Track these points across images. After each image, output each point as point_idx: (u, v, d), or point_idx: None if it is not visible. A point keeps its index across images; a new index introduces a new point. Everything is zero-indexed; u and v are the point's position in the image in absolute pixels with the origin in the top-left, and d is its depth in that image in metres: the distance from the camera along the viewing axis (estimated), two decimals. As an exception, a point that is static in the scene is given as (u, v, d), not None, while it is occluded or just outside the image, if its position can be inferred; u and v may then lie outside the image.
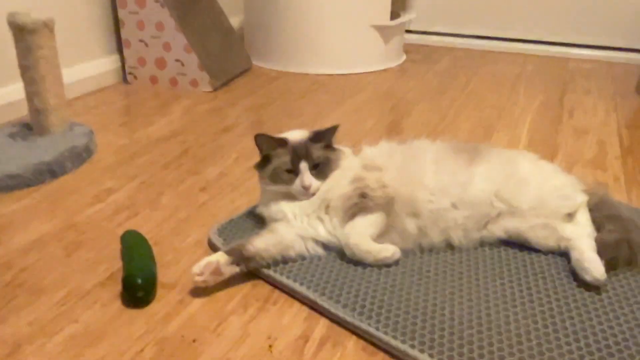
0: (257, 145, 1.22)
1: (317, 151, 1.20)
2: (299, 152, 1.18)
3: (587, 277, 1.07)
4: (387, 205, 1.15)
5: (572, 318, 0.99)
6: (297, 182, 1.18)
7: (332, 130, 1.23)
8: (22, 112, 1.86)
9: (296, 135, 1.23)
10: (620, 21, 2.89)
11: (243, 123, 1.96)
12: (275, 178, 1.20)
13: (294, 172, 1.18)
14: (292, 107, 2.13)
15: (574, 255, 1.11)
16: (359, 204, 1.15)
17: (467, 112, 2.11)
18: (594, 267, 1.06)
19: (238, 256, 1.08)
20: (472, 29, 3.15)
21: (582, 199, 1.22)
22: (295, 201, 1.20)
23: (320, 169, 1.20)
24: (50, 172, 1.51)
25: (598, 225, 1.19)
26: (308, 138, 1.22)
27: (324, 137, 1.22)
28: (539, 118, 2.05)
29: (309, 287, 1.06)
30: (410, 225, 1.17)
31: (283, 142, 1.20)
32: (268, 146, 1.20)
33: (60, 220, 1.33)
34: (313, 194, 1.19)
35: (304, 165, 1.18)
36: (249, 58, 2.62)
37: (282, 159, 1.19)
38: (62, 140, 1.65)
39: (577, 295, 1.05)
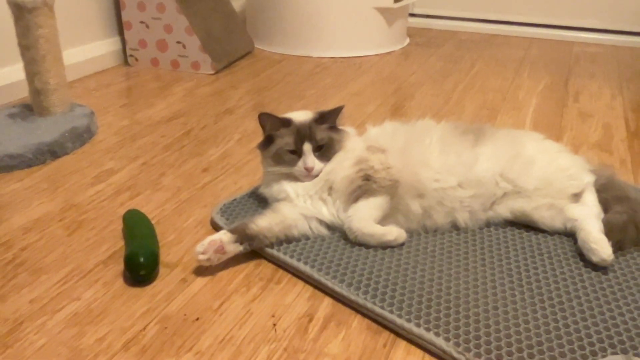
0: (261, 124, 1.20)
1: (321, 132, 1.18)
2: (302, 133, 1.16)
3: (594, 258, 1.06)
4: (392, 188, 1.14)
5: (578, 297, 0.98)
6: (300, 163, 1.16)
7: (337, 111, 1.21)
8: (23, 93, 1.84)
9: (301, 115, 1.21)
10: (625, 5, 2.85)
11: (245, 105, 1.94)
12: (277, 159, 1.18)
13: (297, 153, 1.17)
14: (295, 90, 2.11)
15: (581, 236, 1.10)
16: (363, 186, 1.14)
17: (471, 95, 2.09)
18: (601, 247, 1.05)
19: (241, 235, 1.07)
20: (476, 12, 3.12)
21: (589, 179, 1.20)
22: (297, 182, 1.18)
23: (324, 151, 1.18)
24: (51, 152, 1.50)
25: (605, 206, 1.17)
26: (313, 119, 1.20)
27: (329, 118, 1.20)
28: (544, 101, 2.03)
29: (313, 266, 1.04)
30: (415, 206, 1.15)
31: (287, 122, 1.18)
32: (272, 126, 1.18)
33: (61, 200, 1.32)
34: (315, 176, 1.17)
35: (307, 147, 1.16)
36: (251, 41, 2.59)
37: (285, 139, 1.17)
38: (63, 120, 1.63)
39: (583, 275, 1.04)
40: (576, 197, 1.18)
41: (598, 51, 2.71)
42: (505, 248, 1.12)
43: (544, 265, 1.07)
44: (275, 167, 1.19)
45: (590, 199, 1.18)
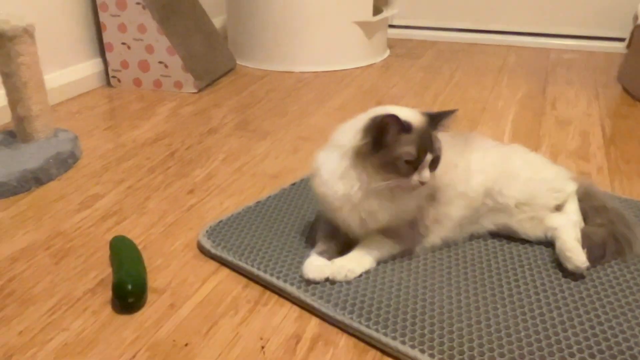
0: (380, 127, 1.02)
1: (438, 142, 1.05)
2: (424, 142, 1.02)
3: (569, 266, 1.09)
4: None
5: (559, 308, 1.01)
6: (416, 177, 1.03)
7: (452, 115, 1.09)
8: (5, 119, 1.85)
9: (410, 117, 1.05)
10: (599, 10, 2.91)
11: (228, 124, 1.96)
12: (390, 168, 1.02)
13: (415, 163, 1.02)
14: (278, 107, 2.13)
15: (558, 244, 1.13)
16: None
17: (452, 105, 2.12)
18: (575, 255, 1.08)
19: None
20: (455, 22, 3.17)
21: (571, 188, 1.23)
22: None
23: (434, 161, 1.06)
24: (35, 179, 1.50)
25: (584, 215, 1.21)
26: (429, 124, 1.06)
27: (442, 124, 1.08)
28: (523, 110, 2.07)
29: (299, 287, 1.06)
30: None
31: (408, 128, 1.03)
32: (393, 131, 1.01)
33: (48, 228, 1.32)
34: None
35: (429, 158, 1.03)
36: (233, 58, 2.61)
37: (405, 147, 1.01)
38: (47, 146, 1.64)
39: (563, 285, 1.07)
40: (559, 206, 1.21)
41: (574, 57, 2.77)
42: (487, 261, 1.15)
43: (525, 277, 1.10)
44: (381, 176, 1.03)
45: (572, 208, 1.21)
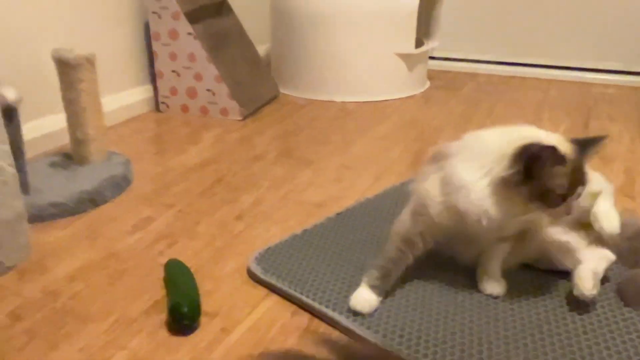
0: (534, 158, 0.98)
1: (587, 173, 1.03)
2: (577, 174, 1.01)
3: (575, 291, 1.10)
4: None
5: (608, 349, 1.00)
6: (564, 207, 1.02)
7: (601, 143, 1.07)
8: (61, 141, 1.93)
9: (562, 146, 1.01)
10: (643, 46, 2.90)
11: (272, 151, 2.01)
12: (538, 199, 1.00)
13: (564, 196, 1.01)
14: (320, 135, 2.18)
15: (574, 271, 1.13)
16: None
17: (493, 139, 2.13)
18: (583, 283, 1.09)
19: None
20: (495, 55, 3.19)
21: (603, 185, 1.21)
22: None
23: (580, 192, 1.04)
24: (91, 201, 1.57)
25: (635, 254, 1.20)
26: (579, 154, 1.03)
27: (592, 152, 1.06)
28: (565, 145, 2.06)
29: (347, 317, 1.08)
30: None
31: (562, 160, 0.99)
32: (548, 163, 0.97)
33: (103, 249, 1.38)
34: None
35: (580, 190, 1.02)
36: (276, 86, 2.68)
37: (558, 180, 0.99)
38: (101, 169, 1.71)
39: (612, 325, 1.07)
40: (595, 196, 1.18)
41: (617, 93, 2.76)
42: (533, 297, 1.15)
43: (573, 315, 1.10)
44: (528, 206, 1.03)
45: (604, 205, 1.19)
